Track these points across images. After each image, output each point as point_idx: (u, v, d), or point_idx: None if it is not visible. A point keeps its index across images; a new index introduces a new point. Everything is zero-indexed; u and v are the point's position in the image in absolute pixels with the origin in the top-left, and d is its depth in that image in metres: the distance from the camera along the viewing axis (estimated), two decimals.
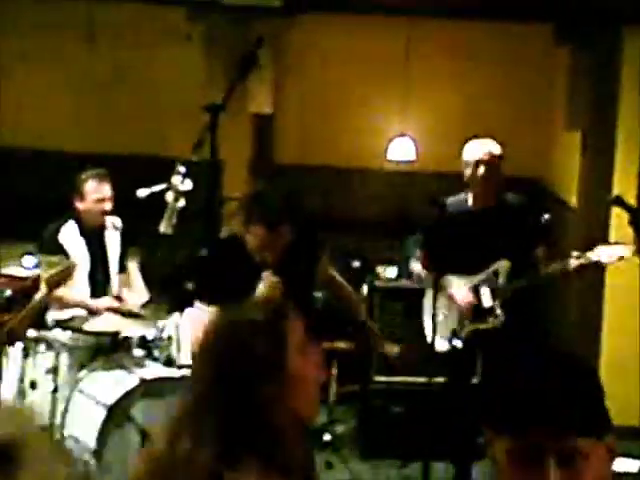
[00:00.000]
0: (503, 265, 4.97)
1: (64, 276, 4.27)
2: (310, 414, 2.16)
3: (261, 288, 3.62)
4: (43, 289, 4.14)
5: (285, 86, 7.96)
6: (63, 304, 5.40)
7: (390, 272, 6.64)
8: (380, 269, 6.61)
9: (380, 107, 7.89)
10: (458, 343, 4.96)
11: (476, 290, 5.02)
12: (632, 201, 5.24)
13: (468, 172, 5.06)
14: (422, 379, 5.67)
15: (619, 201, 4.74)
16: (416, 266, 5.26)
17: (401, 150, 7.75)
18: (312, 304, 4.02)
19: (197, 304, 3.73)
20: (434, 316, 4.42)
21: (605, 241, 5.59)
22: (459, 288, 5.00)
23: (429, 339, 4.79)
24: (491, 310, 4.99)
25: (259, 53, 3.77)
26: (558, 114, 7.39)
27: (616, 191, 5.96)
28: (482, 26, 7.59)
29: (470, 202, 5.12)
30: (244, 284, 3.64)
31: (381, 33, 7.75)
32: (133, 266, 5.71)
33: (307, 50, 7.94)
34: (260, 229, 3.68)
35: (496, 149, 5.07)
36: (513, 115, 7.66)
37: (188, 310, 3.70)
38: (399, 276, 6.58)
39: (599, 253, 4.77)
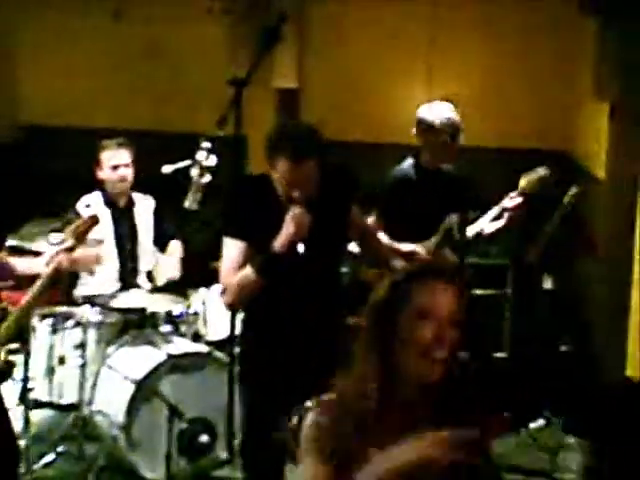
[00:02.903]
0: (454, 220, 4.88)
1: (88, 226, 4.27)
2: (422, 377, 2.25)
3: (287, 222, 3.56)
4: (69, 243, 4.14)
5: (310, 60, 7.93)
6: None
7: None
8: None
9: (405, 81, 7.85)
10: None
11: (437, 252, 4.94)
12: None
13: (419, 133, 4.98)
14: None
15: None
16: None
17: None
18: (342, 252, 3.93)
19: (226, 239, 3.68)
20: None
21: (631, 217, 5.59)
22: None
23: None
24: (460, 266, 4.91)
25: (283, 27, 3.74)
26: (585, 85, 7.31)
27: None
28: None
29: (415, 166, 5.04)
30: (271, 220, 3.58)
31: (406, 6, 7.70)
32: (177, 244, 5.67)
33: (332, 24, 7.90)
34: (285, 163, 3.52)
35: (452, 112, 5.00)
36: (539, 87, 7.59)
37: (225, 241, 3.63)
38: None
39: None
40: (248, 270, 3.61)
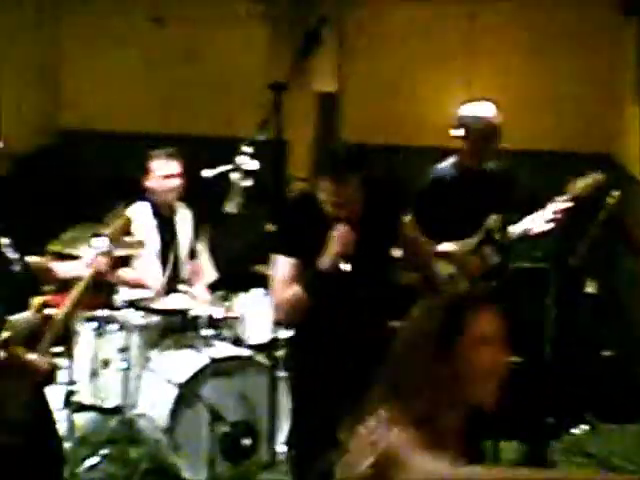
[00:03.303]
0: (495, 220, 4.89)
1: (122, 229, 4.32)
2: (482, 402, 2.28)
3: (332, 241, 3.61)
4: (106, 246, 4.18)
5: (349, 64, 7.93)
6: (124, 284, 5.46)
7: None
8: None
9: (445, 85, 7.82)
10: None
11: (478, 252, 4.93)
12: None
13: (461, 134, 4.97)
14: None
15: None
16: None
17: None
18: (390, 262, 3.93)
19: (277, 257, 3.75)
20: None
21: None
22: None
23: None
24: (501, 266, 4.93)
25: (322, 32, 3.75)
26: (627, 87, 7.25)
27: None
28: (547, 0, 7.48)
29: (456, 165, 5.03)
30: (319, 237, 3.64)
31: (445, 9, 7.67)
32: (202, 247, 5.75)
33: (372, 28, 7.89)
34: (329, 184, 3.61)
35: (493, 112, 4.97)
36: (580, 90, 7.53)
37: (275, 259, 3.72)
38: None
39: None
40: (296, 287, 3.68)
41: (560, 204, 4.90)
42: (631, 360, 6.13)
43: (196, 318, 5.27)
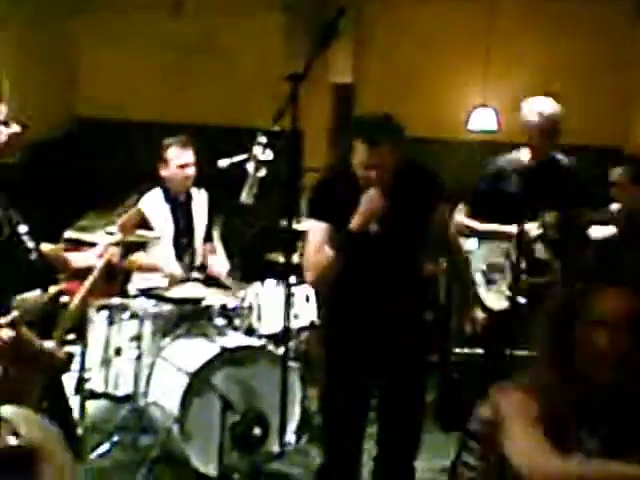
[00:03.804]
0: (552, 216, 4.93)
1: (135, 220, 4.34)
2: (598, 383, 2.32)
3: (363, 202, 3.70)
4: (117, 236, 4.20)
5: (366, 56, 7.92)
6: (139, 269, 5.49)
7: (471, 244, 6.57)
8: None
9: (461, 78, 7.82)
10: (521, 300, 4.84)
11: (528, 244, 4.95)
12: None
13: (527, 127, 5.02)
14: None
15: None
16: (459, 217, 5.20)
17: (482, 120, 7.66)
18: (421, 246, 3.99)
19: (310, 222, 3.87)
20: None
21: None
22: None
23: (482, 296, 4.99)
24: (547, 264, 4.95)
25: (340, 23, 3.74)
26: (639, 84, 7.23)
27: None
28: None
29: (522, 158, 5.09)
30: (351, 204, 3.73)
31: (462, 3, 7.65)
32: (215, 236, 5.77)
33: (388, 20, 7.88)
34: (362, 146, 3.70)
35: (553, 108, 4.99)
36: (594, 86, 7.51)
37: (308, 224, 3.83)
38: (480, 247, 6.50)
39: None
40: (328, 250, 3.77)
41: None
42: None
43: (209, 307, 5.28)
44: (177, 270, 5.53)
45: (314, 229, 3.86)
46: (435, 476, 4.90)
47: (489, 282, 5.08)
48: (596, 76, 7.53)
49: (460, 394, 6.04)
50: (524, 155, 5.10)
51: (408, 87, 7.82)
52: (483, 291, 5.13)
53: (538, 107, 5.01)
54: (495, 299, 5.06)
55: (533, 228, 4.93)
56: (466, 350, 6.04)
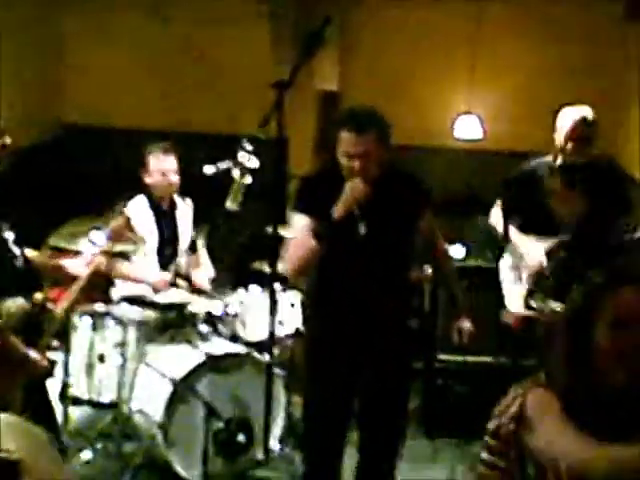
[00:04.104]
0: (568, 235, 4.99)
1: (123, 227, 4.33)
2: (616, 384, 2.29)
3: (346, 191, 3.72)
4: (107, 244, 4.19)
5: (351, 63, 7.93)
6: (125, 278, 5.47)
7: (457, 251, 6.59)
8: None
9: (446, 85, 7.83)
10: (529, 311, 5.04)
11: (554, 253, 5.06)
12: None
13: (557, 136, 5.10)
14: (486, 358, 5.70)
15: None
16: (494, 215, 5.33)
17: (467, 128, 7.69)
18: (409, 248, 4.00)
19: (293, 215, 3.90)
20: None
21: None
22: (534, 249, 5.04)
23: (507, 302, 5.12)
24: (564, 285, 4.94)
25: (326, 32, 3.76)
26: (630, 91, 7.25)
27: None
28: (551, 3, 7.47)
29: (556, 161, 5.14)
30: (335, 199, 3.75)
31: (448, 10, 7.68)
32: (200, 243, 5.75)
33: (374, 27, 7.90)
34: (347, 134, 3.74)
35: (584, 114, 5.06)
36: (583, 92, 7.52)
37: (292, 218, 3.85)
38: (468, 255, 6.55)
39: None
40: (310, 240, 3.78)
41: None
42: None
43: (194, 314, 5.27)
44: (166, 276, 5.50)
45: (297, 222, 3.87)
46: None
47: (517, 280, 5.18)
48: (584, 82, 7.56)
49: (444, 401, 6.05)
50: (555, 160, 5.14)
51: (394, 94, 7.82)
52: (510, 289, 5.22)
53: (572, 114, 5.07)
54: (516, 300, 5.15)
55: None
56: (451, 357, 6.05)
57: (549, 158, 5.17)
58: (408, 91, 7.84)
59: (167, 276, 5.48)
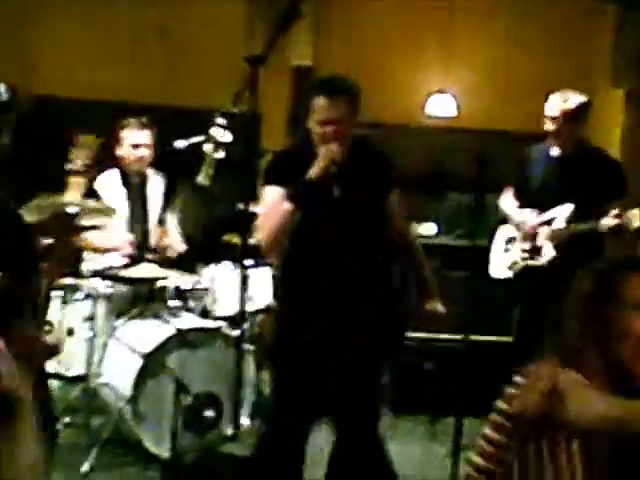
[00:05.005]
0: (567, 208, 5.08)
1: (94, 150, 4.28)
2: (630, 366, 2.33)
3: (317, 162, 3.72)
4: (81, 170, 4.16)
5: (326, 39, 7.90)
6: (92, 248, 5.41)
7: (428, 229, 6.61)
8: (419, 227, 6.59)
9: (421, 62, 7.82)
10: (509, 274, 5.30)
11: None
12: None
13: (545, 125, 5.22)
14: (455, 336, 5.72)
15: None
16: (504, 200, 5.47)
17: (441, 106, 7.69)
18: (381, 222, 3.98)
19: (266, 188, 3.84)
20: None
21: None
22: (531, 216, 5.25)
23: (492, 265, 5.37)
24: (540, 249, 5.17)
25: (301, 5, 3.74)
26: (602, 72, 7.28)
27: None
28: None
29: (551, 150, 5.26)
30: (307, 170, 3.73)
31: None
32: (171, 217, 5.72)
33: (348, 3, 7.86)
34: (321, 99, 3.76)
35: (566, 103, 5.15)
36: (556, 73, 7.55)
37: (264, 191, 3.81)
38: (439, 233, 6.56)
39: (632, 216, 4.87)
40: (284, 205, 3.72)
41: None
42: None
43: (164, 288, 5.25)
44: (130, 236, 5.44)
45: (269, 193, 3.81)
46: None
47: (506, 251, 5.40)
48: (559, 61, 7.58)
49: (413, 378, 6.07)
50: (549, 145, 5.25)
51: (368, 71, 7.78)
52: (495, 259, 5.44)
53: (562, 99, 5.19)
54: (501, 267, 5.37)
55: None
56: (419, 335, 6.07)
57: (543, 143, 5.28)
58: (383, 68, 7.82)
59: (131, 237, 5.42)
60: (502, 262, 5.40)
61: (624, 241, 5.07)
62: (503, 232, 5.48)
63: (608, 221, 4.92)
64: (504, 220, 5.49)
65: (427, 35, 7.70)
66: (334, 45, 7.90)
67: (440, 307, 4.09)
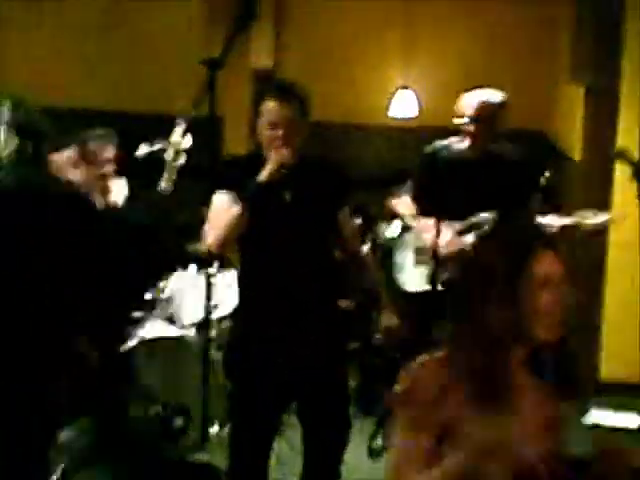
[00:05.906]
0: (491, 216, 4.90)
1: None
2: (546, 339, 2.38)
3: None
4: None
5: (286, 41, 7.88)
6: None
7: (394, 230, 6.59)
8: (383, 227, 6.57)
9: (382, 61, 7.82)
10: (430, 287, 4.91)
11: (460, 236, 4.95)
12: (636, 155, 5.19)
13: (457, 122, 4.99)
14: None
15: (622, 155, 4.69)
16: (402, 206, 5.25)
17: (403, 105, 7.69)
18: (331, 230, 3.93)
19: (214, 196, 3.74)
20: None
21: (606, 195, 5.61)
22: (444, 234, 4.83)
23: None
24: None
25: (258, 6, 3.72)
26: (562, 67, 7.32)
27: (619, 145, 5.92)
28: None
29: (464, 148, 5.03)
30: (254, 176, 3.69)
31: None
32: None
33: (308, 4, 7.85)
34: (270, 102, 3.69)
35: (488, 99, 4.99)
36: (516, 68, 7.58)
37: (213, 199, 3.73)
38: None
39: (580, 217, 4.84)
40: (234, 208, 3.64)
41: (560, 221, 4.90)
42: None
43: None
44: None
45: (217, 199, 3.72)
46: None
47: (417, 263, 5.10)
48: (519, 56, 7.61)
49: (381, 380, 6.05)
50: (463, 144, 5.02)
51: (329, 72, 7.79)
52: (405, 274, 5.15)
53: (477, 97, 4.97)
54: (417, 280, 5.07)
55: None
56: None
57: (455, 142, 5.05)
58: (344, 68, 7.82)
59: None
60: (415, 274, 5.11)
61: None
62: (408, 241, 5.22)
63: (561, 220, 4.85)
64: (406, 227, 5.27)
65: (388, 32, 7.71)
66: (295, 47, 7.88)
67: (394, 319, 4.04)
